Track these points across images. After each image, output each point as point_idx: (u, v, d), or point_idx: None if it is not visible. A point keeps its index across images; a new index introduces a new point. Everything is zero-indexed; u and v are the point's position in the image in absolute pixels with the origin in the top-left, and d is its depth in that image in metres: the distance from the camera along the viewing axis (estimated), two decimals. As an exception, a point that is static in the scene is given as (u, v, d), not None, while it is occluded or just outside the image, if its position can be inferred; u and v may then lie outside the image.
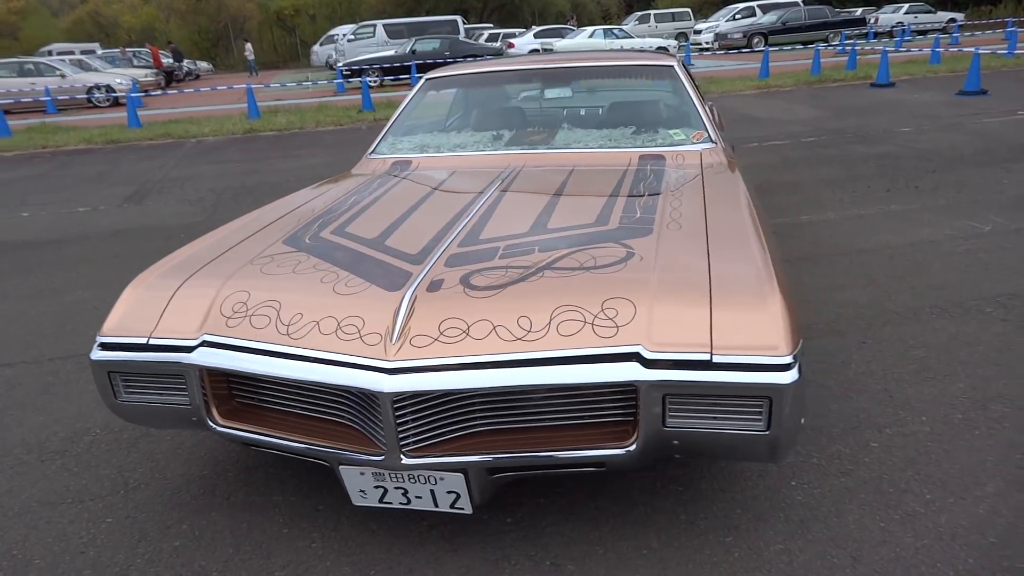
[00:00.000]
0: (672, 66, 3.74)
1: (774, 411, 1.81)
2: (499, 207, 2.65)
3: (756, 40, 25.57)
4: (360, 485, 2.02)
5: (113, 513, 2.38)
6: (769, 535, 2.11)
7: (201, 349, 2.07)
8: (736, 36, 26.17)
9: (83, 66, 23.11)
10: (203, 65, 40.93)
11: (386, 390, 1.82)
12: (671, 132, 3.44)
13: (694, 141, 3.37)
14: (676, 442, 1.92)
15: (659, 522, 2.19)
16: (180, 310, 2.18)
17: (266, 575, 2.07)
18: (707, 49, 28.11)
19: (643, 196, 2.70)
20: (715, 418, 1.86)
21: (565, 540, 2.14)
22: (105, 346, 2.18)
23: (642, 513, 2.23)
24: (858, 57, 16.51)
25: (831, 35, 25.49)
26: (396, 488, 2.00)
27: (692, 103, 3.54)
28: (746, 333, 1.84)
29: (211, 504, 2.40)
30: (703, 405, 1.85)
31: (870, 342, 3.25)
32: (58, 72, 20.84)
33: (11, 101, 19.37)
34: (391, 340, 1.89)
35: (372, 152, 3.71)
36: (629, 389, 1.87)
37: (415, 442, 1.90)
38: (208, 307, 2.15)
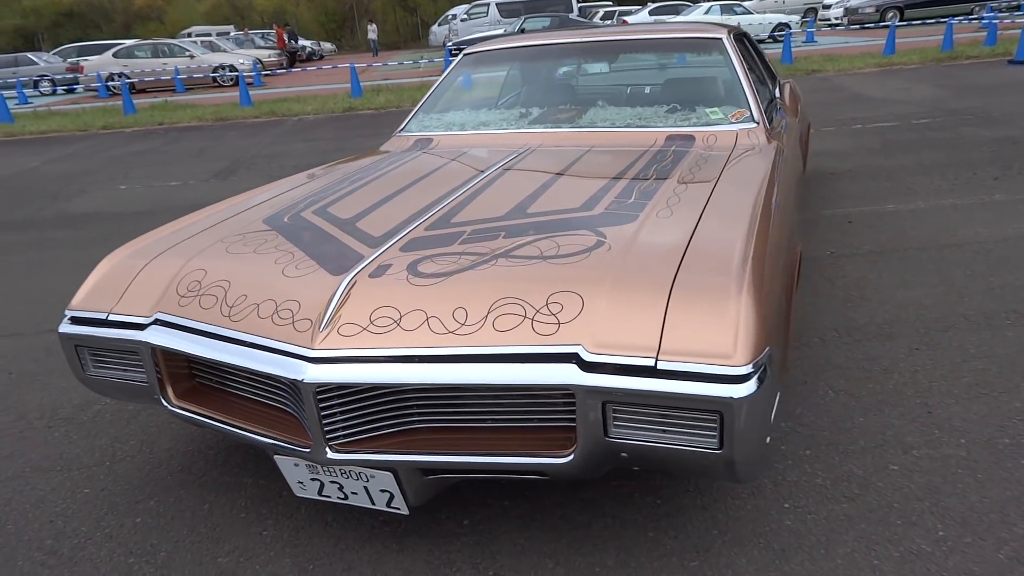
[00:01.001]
0: (720, 39, 3.43)
1: (726, 428, 1.59)
2: (488, 189, 2.49)
3: (891, 15, 23.78)
4: (297, 476, 1.94)
5: (92, 484, 2.42)
6: (740, 563, 1.88)
7: (152, 327, 2.05)
8: (868, 11, 24.43)
9: (212, 47, 24.35)
10: (326, 46, 42.36)
11: (307, 379, 1.72)
12: (708, 111, 3.16)
13: (732, 120, 3.08)
14: (625, 454, 1.73)
15: (624, 537, 2.00)
16: (141, 287, 2.16)
17: (210, 559, 2.03)
18: (836, 25, 26.46)
19: (648, 180, 2.47)
20: (663, 431, 1.66)
21: (517, 549, 1.99)
22: (73, 320, 2.19)
23: (608, 526, 2.05)
24: (999, 32, 15.04)
25: (976, 7, 23.37)
26: (332, 482, 1.91)
27: (739, 79, 3.24)
28: (699, 338, 1.62)
29: (184, 481, 2.39)
30: (649, 416, 1.65)
31: (924, 349, 2.88)
32: (187, 53, 22.04)
33: (149, 79, 20.75)
34: (319, 328, 1.79)
35: (401, 130, 3.62)
36: (567, 393, 1.69)
37: (343, 436, 1.80)
38: (167, 285, 2.12)
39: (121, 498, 2.33)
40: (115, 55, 22.05)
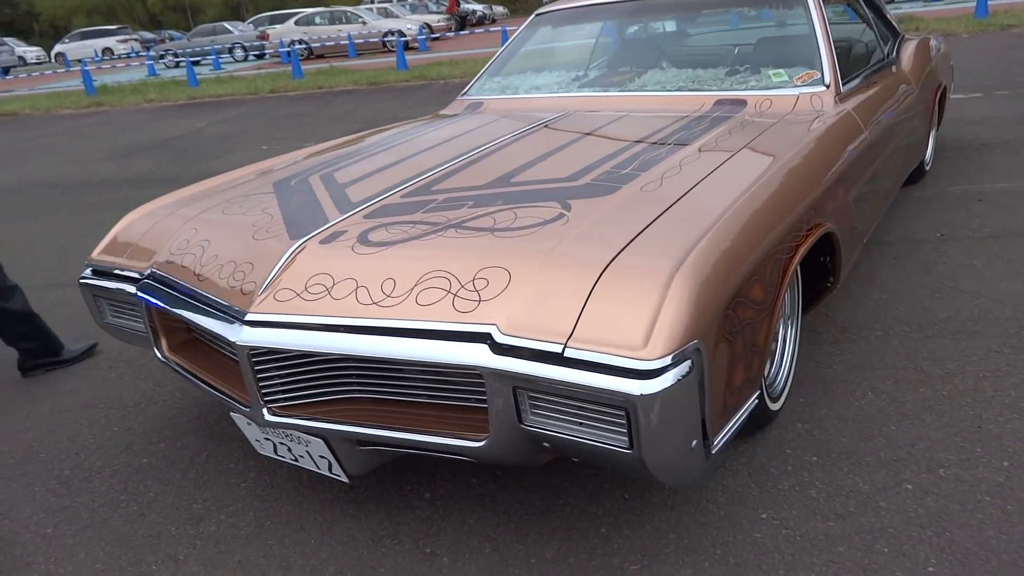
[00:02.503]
0: (802, -7, 3.07)
1: (633, 427, 1.44)
2: (489, 156, 2.40)
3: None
4: (253, 435, 1.99)
5: (122, 423, 2.62)
6: (684, 573, 1.72)
7: (145, 282, 2.16)
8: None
9: (387, 13, 25.29)
10: (498, 10, 42.73)
11: (239, 342, 1.75)
12: (772, 72, 2.85)
13: (796, 83, 2.76)
14: (547, 444, 1.62)
15: (573, 530, 1.89)
16: (147, 243, 2.29)
17: (187, 504, 2.14)
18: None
19: (663, 148, 2.28)
20: (577, 424, 1.54)
21: (464, 529, 1.93)
22: (93, 271, 2.36)
23: (563, 516, 1.94)
24: None
25: None
26: (280, 443, 1.94)
27: (815, 37, 2.89)
28: (613, 327, 1.48)
29: (197, 428, 2.53)
30: (562, 406, 1.54)
31: (1005, 352, 2.48)
32: (360, 20, 23.04)
33: (328, 45, 21.99)
34: (258, 291, 1.80)
35: (464, 93, 3.57)
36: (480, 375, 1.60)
37: (281, 399, 1.81)
38: (166, 243, 2.22)
39: (139, 439, 2.51)
40: (296, 23, 23.48)
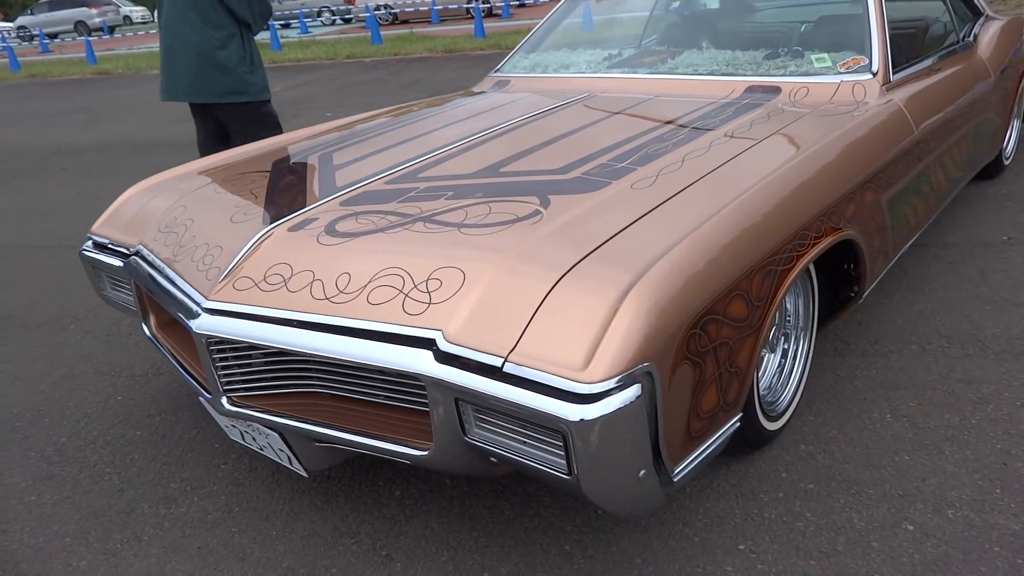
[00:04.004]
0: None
1: (571, 452, 1.33)
2: (490, 141, 2.28)
3: None
4: (223, 420, 1.96)
5: (126, 393, 2.65)
6: (641, 605, 1.60)
7: (133, 258, 2.15)
8: None
9: (472, -22, 25.12)
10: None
11: (195, 329, 1.71)
12: (815, 57, 2.61)
13: (840, 69, 2.52)
14: (494, 459, 1.52)
15: (534, 545, 1.79)
16: (143, 217, 2.28)
17: (165, 482, 2.15)
18: None
19: (671, 139, 2.11)
20: (519, 443, 1.44)
21: (426, 533, 1.86)
22: (93, 243, 2.38)
23: (529, 528, 1.84)
24: None
25: None
26: (246, 432, 1.90)
27: (868, 19, 2.63)
28: (556, 344, 1.36)
29: (194, 404, 2.54)
30: (503, 423, 1.43)
31: (1055, 379, 2.23)
32: (445, -16, 22.93)
33: (409, 11, 22.00)
34: (219, 278, 1.76)
35: (496, 69, 3.44)
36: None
37: (241, 389, 1.77)
38: (157, 219, 2.21)
39: (139, 410, 2.53)
40: (382, -13, 23.54)
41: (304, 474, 1.84)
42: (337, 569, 1.78)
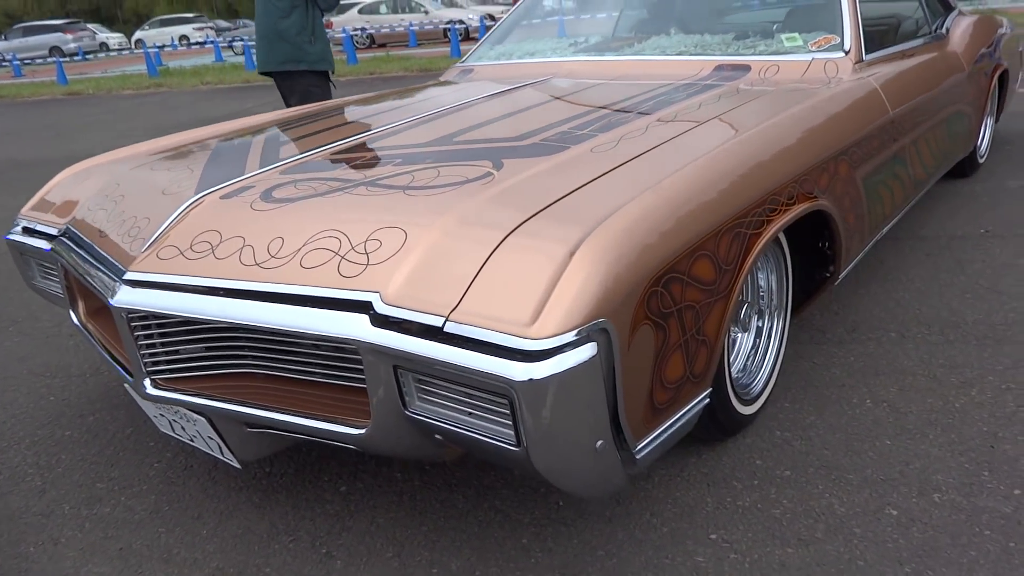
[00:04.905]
0: (829, -50, 2.73)
1: (518, 419, 1.19)
2: (446, 116, 2.16)
3: None
4: (150, 409, 1.80)
5: (60, 393, 2.47)
6: (603, 599, 1.45)
7: (59, 239, 2.00)
8: None
9: (451, 3, 25.24)
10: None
11: (113, 303, 1.56)
12: (785, 37, 2.53)
13: (812, 48, 2.44)
14: (439, 436, 1.38)
15: (490, 539, 1.64)
16: (74, 198, 2.12)
17: (91, 483, 1.97)
18: None
19: (635, 111, 2.00)
20: (464, 414, 1.29)
21: (370, 530, 1.70)
22: (23, 228, 2.21)
23: (484, 522, 1.69)
24: None
25: None
26: (174, 421, 1.74)
27: (839, 3, 2.55)
28: (502, 300, 1.23)
29: (132, 402, 2.36)
30: (447, 392, 1.29)
31: (1038, 362, 2.12)
32: (423, 9, 23.03)
33: (386, 32, 22.03)
34: (143, 248, 1.61)
35: (462, 60, 3.33)
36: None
37: (166, 371, 1.62)
38: (89, 198, 2.06)
39: (71, 410, 2.35)
40: (360, 11, 23.60)
41: (237, 465, 1.68)
42: (271, 568, 1.62)
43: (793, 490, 1.70)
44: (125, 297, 1.55)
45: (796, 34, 2.51)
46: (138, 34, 35.83)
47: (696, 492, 1.73)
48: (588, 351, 1.18)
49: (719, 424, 1.79)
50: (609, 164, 1.58)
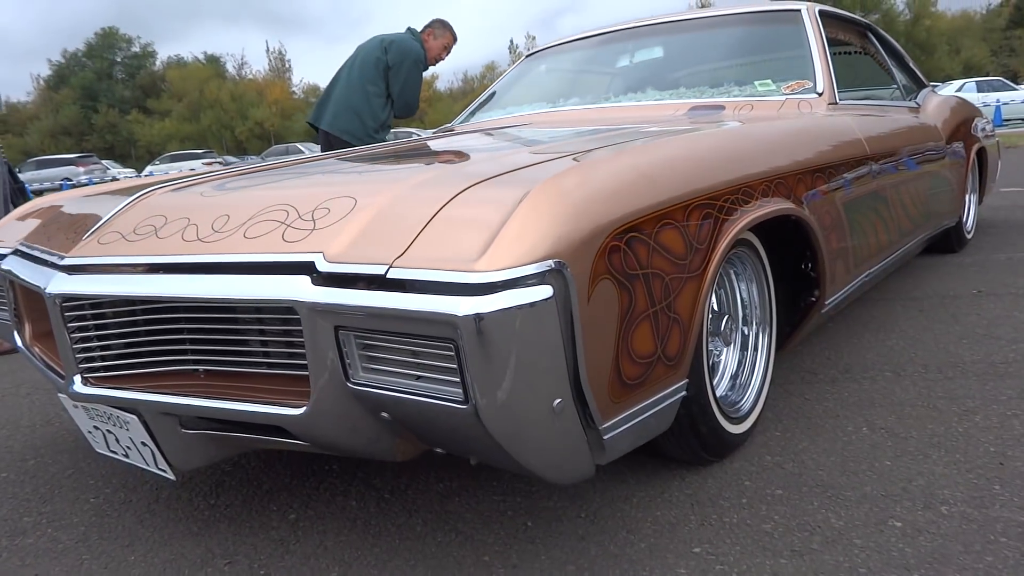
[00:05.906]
0: (799, 11, 2.81)
1: (464, 368, 1.07)
2: (414, 144, 2.14)
3: None
4: (84, 424, 1.65)
5: (8, 442, 2.31)
6: (571, 610, 1.27)
7: (8, 257, 1.91)
8: None
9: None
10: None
11: (47, 290, 1.46)
12: (758, 83, 2.55)
13: (785, 92, 2.46)
14: (386, 414, 1.25)
15: (449, 558, 1.46)
16: (27, 226, 2.06)
17: (16, 519, 1.79)
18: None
19: (607, 132, 1.98)
20: (412, 377, 1.17)
21: (315, 552, 1.53)
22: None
23: (443, 544, 1.52)
24: None
25: None
26: (109, 432, 1.60)
27: (811, 52, 2.59)
28: (448, 244, 1.13)
29: (77, 448, 2.20)
30: (393, 354, 1.18)
31: (1043, 392, 1.99)
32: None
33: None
34: (85, 236, 1.53)
35: (440, 128, 3.37)
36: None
37: (102, 367, 1.49)
38: (44, 220, 2.00)
39: (12, 455, 2.19)
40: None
41: (171, 476, 1.52)
42: (199, 591, 1.43)
43: (785, 507, 1.54)
44: (59, 284, 1.45)
45: (769, 80, 2.54)
46: (148, 168, 37.19)
47: (679, 510, 1.56)
48: (542, 292, 1.08)
49: (706, 445, 1.64)
50: (586, 146, 1.53)
